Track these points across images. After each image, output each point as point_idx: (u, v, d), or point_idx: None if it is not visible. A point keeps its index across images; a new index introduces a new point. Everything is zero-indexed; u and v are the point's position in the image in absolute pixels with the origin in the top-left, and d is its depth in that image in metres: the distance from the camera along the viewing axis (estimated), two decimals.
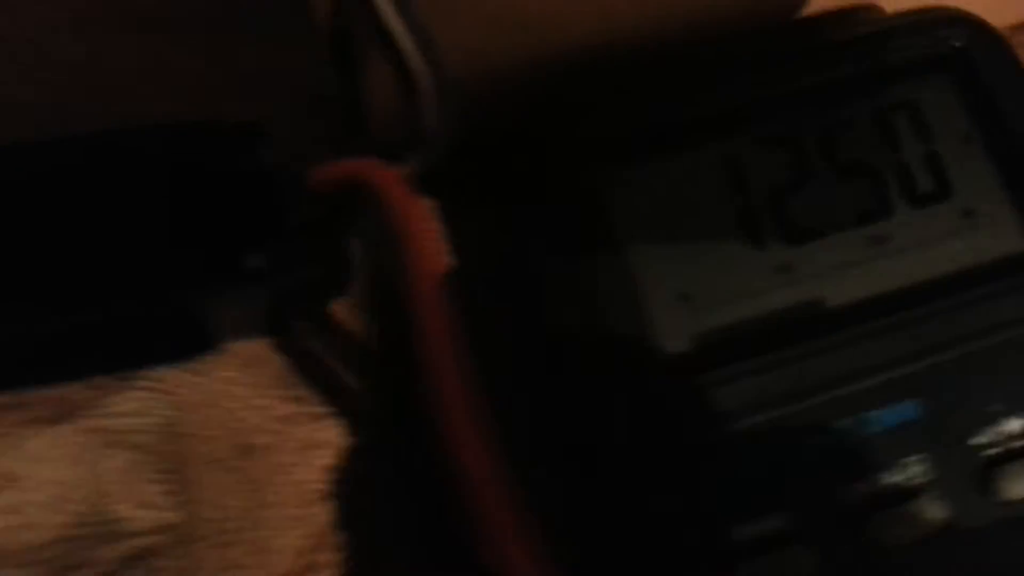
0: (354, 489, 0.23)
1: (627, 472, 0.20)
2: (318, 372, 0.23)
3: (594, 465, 0.20)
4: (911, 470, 0.20)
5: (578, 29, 0.22)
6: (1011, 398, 0.20)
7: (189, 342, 0.21)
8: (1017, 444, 0.20)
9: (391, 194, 0.16)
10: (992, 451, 0.20)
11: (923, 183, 0.22)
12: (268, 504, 0.22)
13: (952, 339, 0.21)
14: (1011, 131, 0.23)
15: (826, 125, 0.22)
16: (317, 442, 0.23)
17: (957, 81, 0.23)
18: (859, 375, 0.20)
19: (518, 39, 0.22)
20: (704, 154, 0.22)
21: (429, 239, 0.15)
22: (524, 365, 0.22)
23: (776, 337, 0.21)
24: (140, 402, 0.22)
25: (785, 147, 0.22)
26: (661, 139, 0.22)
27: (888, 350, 0.21)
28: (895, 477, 0.20)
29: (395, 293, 0.16)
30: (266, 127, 0.19)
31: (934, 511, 0.19)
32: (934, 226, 0.22)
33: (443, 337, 0.14)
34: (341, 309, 0.23)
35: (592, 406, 0.20)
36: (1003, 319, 0.21)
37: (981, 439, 0.20)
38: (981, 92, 0.23)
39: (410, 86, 0.18)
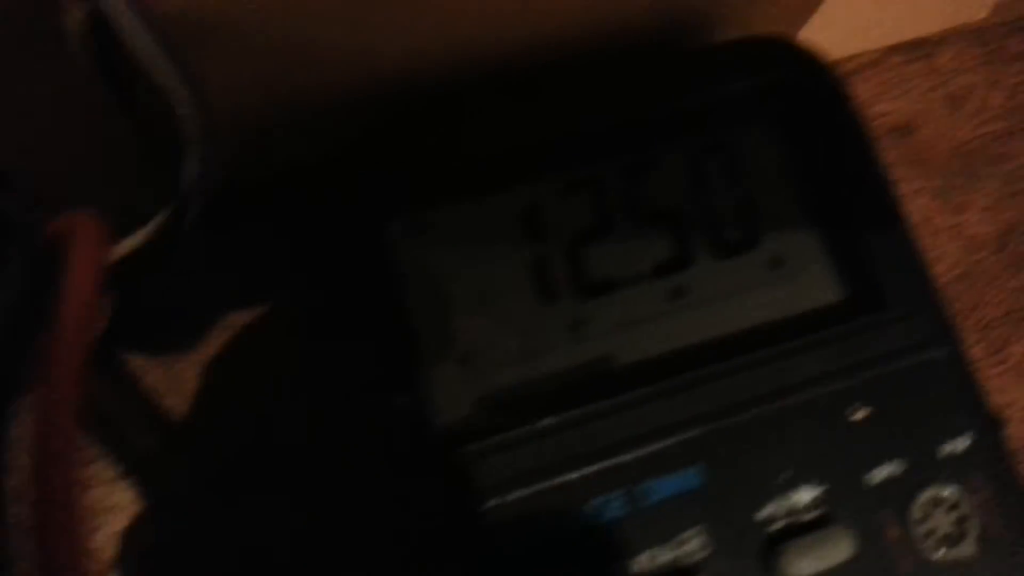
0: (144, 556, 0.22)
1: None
2: (109, 432, 0.22)
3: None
4: (689, 545, 0.19)
5: (381, 65, 0.20)
6: (800, 467, 0.19)
7: None
8: (803, 518, 0.19)
9: (74, 253, 0.14)
10: (777, 525, 0.19)
11: (729, 232, 0.21)
12: None
13: (743, 401, 0.20)
14: (829, 177, 0.21)
15: (632, 168, 0.21)
16: (108, 506, 0.22)
17: (776, 123, 0.22)
18: (640, 441, 0.19)
19: (310, 75, 0.20)
20: (498, 200, 0.21)
21: (85, 311, 0.14)
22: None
23: (557, 400, 0.19)
24: None
25: (586, 192, 0.21)
26: (454, 183, 0.21)
27: (674, 413, 0.20)
28: (671, 552, 0.18)
29: None
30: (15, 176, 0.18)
31: None
32: (737, 277, 0.21)
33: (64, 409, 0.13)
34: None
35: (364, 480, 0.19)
36: (798, 382, 0.20)
37: (766, 512, 0.19)
38: (801, 135, 0.22)
39: (174, 134, 0.17)
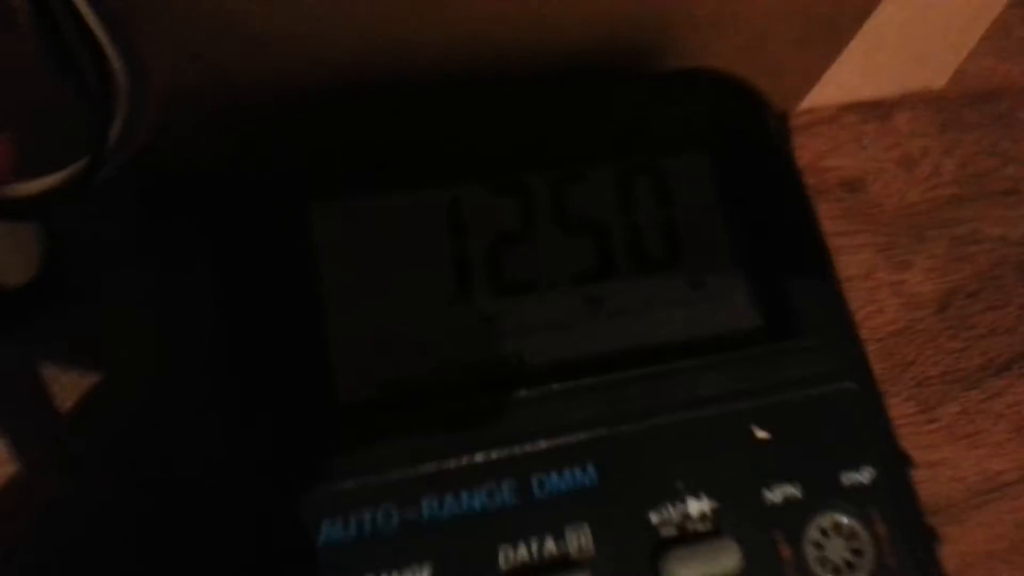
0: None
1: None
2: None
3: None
4: (578, 539, 0.19)
5: (329, 53, 0.21)
6: (697, 478, 0.20)
7: None
8: (696, 527, 0.19)
9: None
10: (668, 531, 0.19)
11: (652, 249, 0.22)
12: None
13: (647, 409, 0.20)
14: (756, 206, 0.22)
15: (561, 178, 0.22)
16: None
17: (709, 150, 0.23)
18: (540, 434, 0.20)
19: (259, 54, 0.21)
20: (426, 194, 0.21)
21: None
22: (222, 388, 0.21)
23: (457, 388, 0.20)
24: None
25: (513, 196, 0.22)
26: (380, 172, 0.21)
27: (576, 413, 0.20)
28: (559, 545, 0.19)
29: None
30: None
31: None
32: (656, 293, 0.22)
33: None
34: None
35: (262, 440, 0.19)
36: (705, 396, 0.20)
37: (658, 517, 0.19)
38: (733, 164, 0.22)
39: (109, 88, 0.18)
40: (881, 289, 0.28)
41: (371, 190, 0.21)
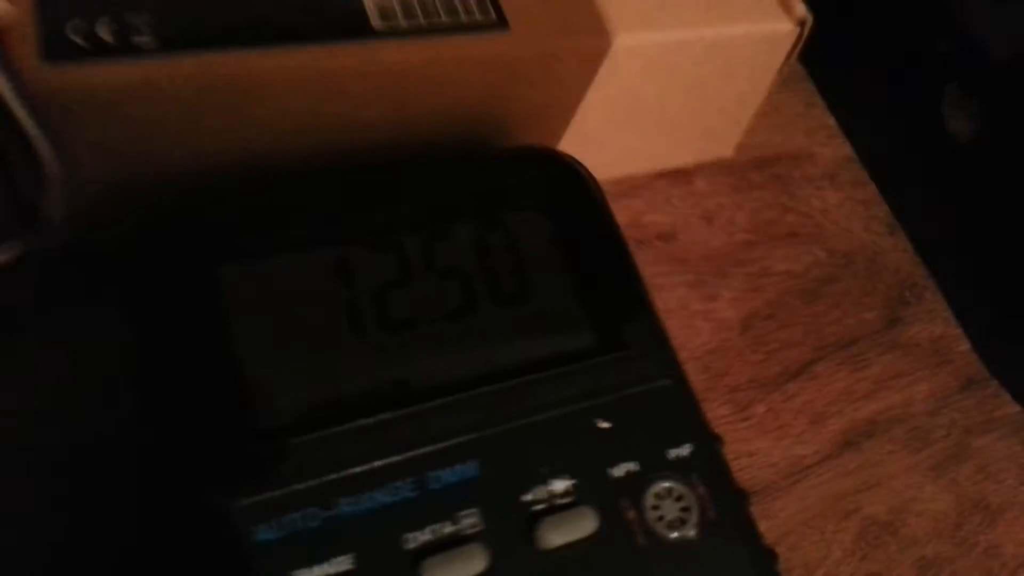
0: None
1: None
2: None
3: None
4: (467, 520, 0.23)
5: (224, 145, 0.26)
6: (557, 463, 0.24)
7: None
8: (560, 501, 0.24)
9: None
10: (539, 507, 0.24)
11: (506, 287, 0.27)
12: None
13: (513, 414, 0.25)
14: (584, 251, 0.28)
15: (429, 237, 0.27)
16: None
17: (544, 208, 0.28)
18: (430, 440, 0.24)
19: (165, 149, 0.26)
20: (320, 255, 0.26)
21: None
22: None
23: (361, 409, 0.24)
24: None
25: (390, 253, 0.27)
26: (280, 239, 0.26)
27: (458, 420, 0.24)
28: (452, 526, 0.23)
29: None
30: None
31: (480, 556, 0.22)
32: (513, 323, 0.27)
33: None
34: None
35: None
36: (557, 399, 0.25)
37: (529, 496, 0.24)
38: (563, 218, 0.28)
39: (38, 173, 0.22)
40: (695, 317, 0.35)
41: (273, 253, 0.26)
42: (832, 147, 0.42)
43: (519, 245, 0.28)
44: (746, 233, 0.37)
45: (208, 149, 0.26)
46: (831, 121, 0.43)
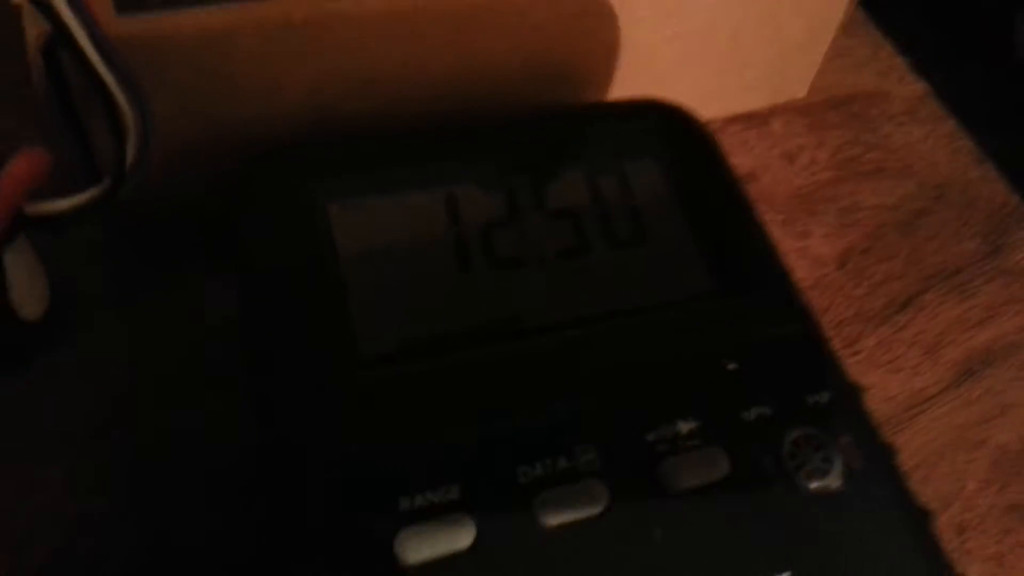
0: None
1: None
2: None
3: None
4: (585, 457, 0.21)
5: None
6: (681, 403, 0.22)
7: None
8: (686, 443, 0.22)
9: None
10: (662, 447, 0.21)
11: (621, 231, 0.26)
12: None
13: (631, 352, 0.23)
14: (702, 198, 0.27)
15: (541, 178, 0.26)
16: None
17: (659, 156, 0.27)
18: (544, 375, 0.22)
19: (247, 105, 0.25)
20: (428, 192, 0.25)
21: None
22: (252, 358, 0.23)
23: (471, 344, 0.23)
24: None
25: (501, 191, 0.26)
26: (390, 176, 0.25)
27: (572, 355, 0.23)
28: (568, 462, 0.21)
29: None
30: None
31: (599, 493, 0.20)
32: (628, 267, 0.25)
33: None
34: None
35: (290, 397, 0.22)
36: (679, 340, 0.23)
37: (653, 435, 0.22)
38: (679, 166, 0.27)
39: (117, 124, 0.21)
40: (789, 255, 0.33)
41: (380, 191, 0.25)
42: (906, 86, 0.40)
43: (633, 191, 0.27)
44: (830, 171, 0.36)
45: (282, 105, 0.25)
46: (901, 62, 0.41)
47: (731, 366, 0.23)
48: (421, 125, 0.26)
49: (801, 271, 0.32)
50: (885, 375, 0.31)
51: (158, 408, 0.26)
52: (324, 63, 0.25)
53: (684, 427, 0.22)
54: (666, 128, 0.28)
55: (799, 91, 0.38)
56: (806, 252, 0.33)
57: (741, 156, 0.35)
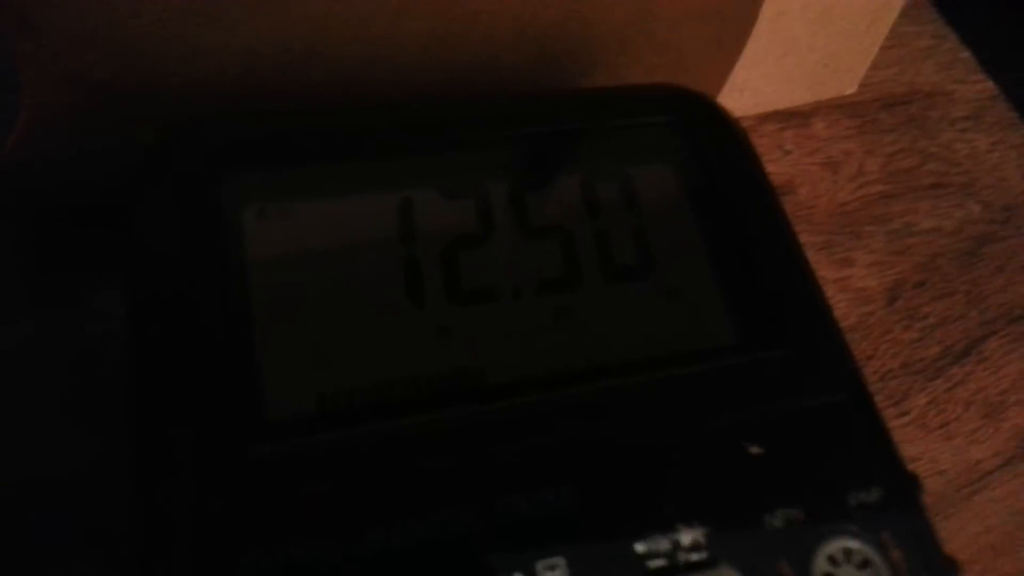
0: None
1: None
2: None
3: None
4: (554, 573, 0.16)
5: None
6: (686, 503, 0.17)
7: None
8: (689, 557, 0.16)
9: None
10: (656, 562, 0.16)
11: (622, 256, 0.20)
12: None
13: (625, 428, 0.17)
14: (730, 216, 0.20)
15: (522, 184, 0.20)
16: None
17: (675, 159, 0.21)
18: (506, 454, 0.17)
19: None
20: (374, 195, 0.19)
21: None
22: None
23: (412, 403, 0.17)
24: None
25: (470, 199, 0.19)
26: (324, 171, 0.19)
27: (546, 430, 0.17)
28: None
29: None
30: None
31: None
32: (628, 304, 0.19)
33: None
34: None
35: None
36: (688, 413, 0.18)
37: (645, 546, 0.16)
38: (701, 172, 0.21)
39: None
40: (828, 287, 0.27)
41: (313, 191, 0.18)
42: (972, 84, 0.34)
43: (640, 205, 0.20)
44: (880, 184, 0.29)
45: (220, 57, 0.19)
46: (967, 55, 0.34)
47: (754, 450, 0.18)
48: (377, 102, 0.20)
49: (841, 308, 0.26)
50: (937, 442, 0.25)
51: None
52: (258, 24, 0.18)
53: (687, 537, 0.17)
54: (686, 123, 0.21)
55: (848, 86, 0.31)
56: (848, 285, 0.27)
57: (775, 162, 0.29)
